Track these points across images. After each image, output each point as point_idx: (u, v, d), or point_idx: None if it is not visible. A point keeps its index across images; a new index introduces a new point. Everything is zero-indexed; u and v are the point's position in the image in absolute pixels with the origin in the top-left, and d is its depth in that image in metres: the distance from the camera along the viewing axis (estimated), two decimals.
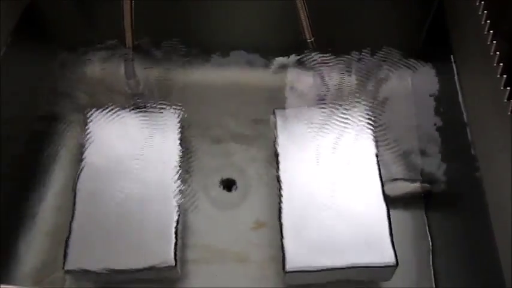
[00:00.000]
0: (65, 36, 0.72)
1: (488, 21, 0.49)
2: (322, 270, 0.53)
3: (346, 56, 0.68)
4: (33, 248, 0.61)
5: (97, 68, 0.72)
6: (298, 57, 0.68)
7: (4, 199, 0.59)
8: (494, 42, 0.48)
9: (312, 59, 0.67)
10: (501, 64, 0.46)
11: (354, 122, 0.62)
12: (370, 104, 0.64)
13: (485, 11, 0.50)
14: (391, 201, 0.57)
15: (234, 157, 0.67)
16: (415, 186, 0.63)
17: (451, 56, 0.58)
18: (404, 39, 0.69)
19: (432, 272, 0.60)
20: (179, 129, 0.62)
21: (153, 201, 0.57)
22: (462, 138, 0.53)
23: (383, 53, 0.68)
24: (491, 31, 0.49)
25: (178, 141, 0.62)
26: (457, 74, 0.57)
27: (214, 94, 0.71)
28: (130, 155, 0.60)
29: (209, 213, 0.63)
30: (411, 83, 0.68)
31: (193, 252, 0.60)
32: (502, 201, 0.45)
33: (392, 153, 0.64)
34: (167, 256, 0.54)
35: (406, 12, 0.67)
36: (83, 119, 0.63)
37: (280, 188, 0.58)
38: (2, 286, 0.42)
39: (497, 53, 0.47)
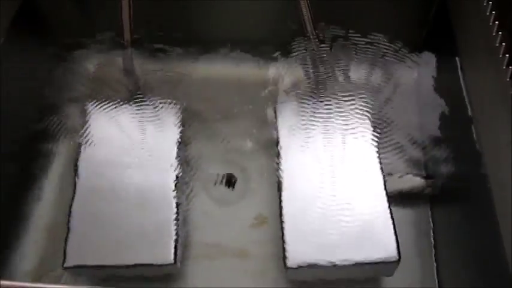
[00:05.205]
0: (63, 30, 0.71)
1: (493, 12, 0.49)
2: (324, 265, 0.52)
3: (348, 50, 0.67)
4: (32, 245, 0.61)
5: (96, 61, 0.71)
6: (300, 51, 0.67)
7: (3, 195, 0.58)
8: (500, 33, 0.47)
9: (313, 53, 0.66)
10: (507, 55, 0.45)
11: (356, 116, 0.61)
12: (373, 98, 0.63)
13: (490, 2, 0.49)
14: (394, 197, 0.57)
15: (235, 153, 0.66)
16: (419, 182, 0.62)
17: (455, 49, 0.58)
18: (407, 31, 0.68)
19: (435, 268, 0.59)
20: (179, 124, 0.62)
21: (152, 197, 0.57)
22: (467, 133, 0.53)
23: (385, 45, 0.67)
24: (497, 22, 0.48)
25: (178, 136, 0.61)
26: (461, 66, 0.56)
27: (214, 89, 0.71)
28: (130, 150, 0.60)
29: (209, 209, 0.63)
30: (414, 76, 0.68)
31: (193, 249, 0.60)
32: (508, 197, 0.44)
33: (395, 148, 0.63)
34: (167, 253, 0.54)
35: (410, 3, 0.66)
36: (82, 113, 0.63)
37: (281, 184, 0.57)
38: (2, 282, 0.41)
39: (503, 44, 0.46)
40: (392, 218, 0.54)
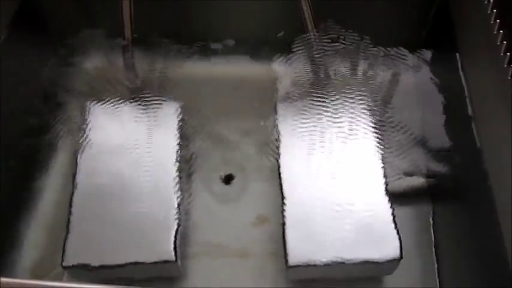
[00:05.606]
0: (64, 28, 0.71)
1: (494, 11, 0.49)
2: (325, 264, 0.52)
3: (349, 49, 0.67)
4: (33, 243, 0.61)
5: (96, 60, 0.71)
6: (300, 49, 0.67)
7: (3, 193, 0.58)
8: (501, 32, 0.47)
9: (314, 52, 0.66)
10: (508, 54, 0.46)
11: (357, 115, 0.61)
12: (374, 97, 0.63)
13: (491, 0, 0.49)
14: (396, 197, 0.57)
15: (235, 151, 0.66)
16: (420, 181, 0.62)
17: (456, 48, 0.58)
18: (407, 31, 0.68)
19: (436, 266, 0.59)
20: (179, 123, 0.62)
21: (152, 195, 0.57)
22: (468, 132, 0.53)
23: (386, 44, 0.67)
24: (498, 21, 0.48)
25: (178, 135, 0.61)
26: (462, 65, 0.56)
27: (214, 88, 0.71)
28: (130, 148, 0.60)
29: (210, 208, 0.62)
30: (415, 76, 0.68)
31: (193, 248, 0.60)
32: (509, 195, 0.44)
33: (396, 147, 0.63)
34: (167, 251, 0.54)
35: (410, 3, 0.66)
36: (83, 111, 0.63)
37: (281, 183, 0.57)
38: (2, 279, 0.41)
39: (504, 42, 0.46)
40: (393, 215, 0.54)
